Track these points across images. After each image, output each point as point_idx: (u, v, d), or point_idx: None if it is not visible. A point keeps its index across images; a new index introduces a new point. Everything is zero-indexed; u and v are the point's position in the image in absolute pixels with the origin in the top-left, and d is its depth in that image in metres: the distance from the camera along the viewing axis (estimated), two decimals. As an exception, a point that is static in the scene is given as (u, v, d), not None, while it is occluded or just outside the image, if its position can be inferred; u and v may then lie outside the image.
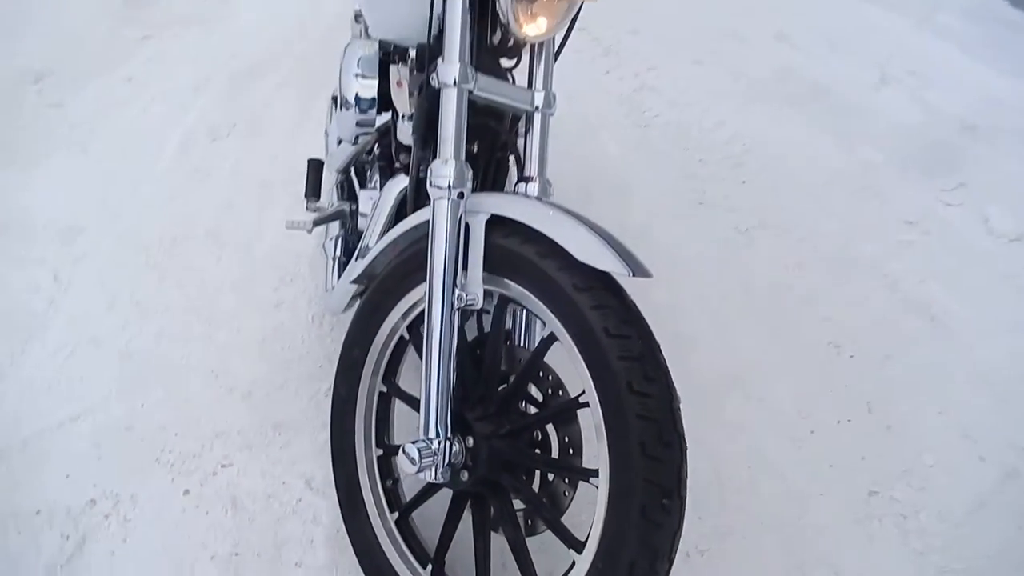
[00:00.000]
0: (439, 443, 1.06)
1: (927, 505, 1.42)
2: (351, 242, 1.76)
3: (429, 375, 1.07)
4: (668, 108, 3.08)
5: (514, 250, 1.05)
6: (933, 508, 1.41)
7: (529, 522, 1.12)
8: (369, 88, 1.41)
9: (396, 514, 1.26)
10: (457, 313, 1.09)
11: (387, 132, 1.54)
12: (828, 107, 3.01)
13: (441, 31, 1.17)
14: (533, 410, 1.18)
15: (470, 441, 1.10)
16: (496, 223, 1.08)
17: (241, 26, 4.24)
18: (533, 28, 1.14)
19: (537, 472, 1.12)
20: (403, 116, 1.36)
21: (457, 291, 1.08)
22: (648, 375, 0.94)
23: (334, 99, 2.14)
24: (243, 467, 1.54)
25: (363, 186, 1.82)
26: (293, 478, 1.51)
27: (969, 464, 1.50)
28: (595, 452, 1.00)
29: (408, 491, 1.29)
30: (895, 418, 1.60)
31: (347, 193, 1.94)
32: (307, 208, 1.84)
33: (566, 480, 1.11)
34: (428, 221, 1.13)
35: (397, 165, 1.56)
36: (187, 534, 1.42)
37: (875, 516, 1.40)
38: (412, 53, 1.26)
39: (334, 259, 1.74)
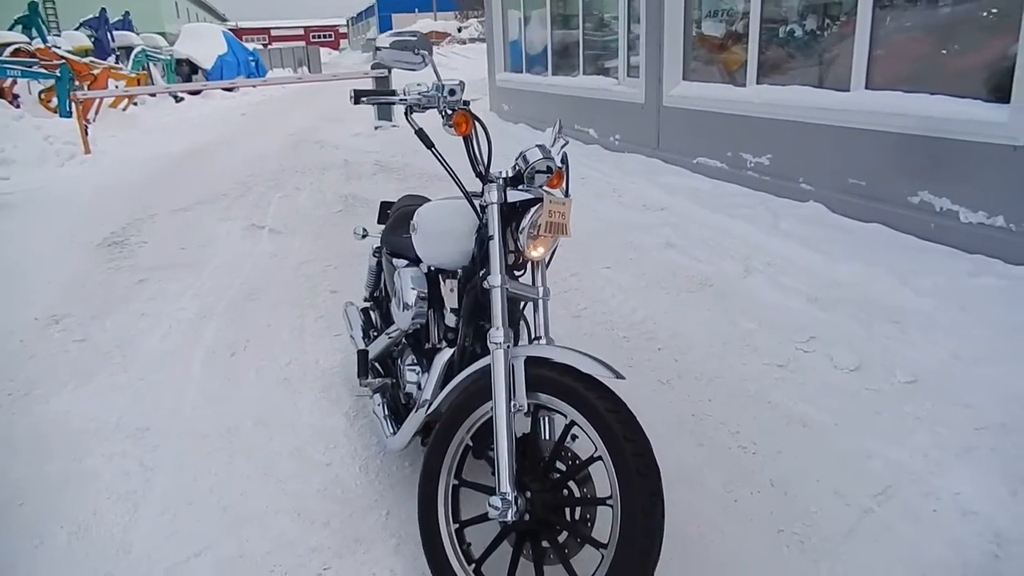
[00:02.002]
0: (511, 495, 1.72)
1: (816, 534, 2.12)
2: (396, 403, 2.45)
3: (500, 455, 1.75)
4: (592, 302, 3.99)
5: (544, 375, 1.79)
6: (820, 536, 2.11)
7: (567, 550, 1.76)
8: (422, 296, 2.21)
9: (472, 565, 1.86)
10: (513, 416, 1.79)
11: (418, 328, 2.31)
12: (711, 293, 4.00)
13: (477, 259, 1.99)
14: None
15: (528, 494, 1.76)
16: (530, 362, 1.82)
17: (221, 266, 5.05)
18: (535, 253, 1.97)
19: (569, 510, 1.78)
20: (449, 309, 2.13)
21: (513, 403, 1.79)
22: (634, 430, 1.66)
23: (364, 311, 2.93)
24: (339, 569, 2.09)
25: (395, 365, 2.55)
26: (381, 570, 2.07)
27: (840, 509, 2.22)
28: (604, 493, 1.70)
29: (476, 550, 1.90)
30: (789, 488, 2.33)
31: (376, 373, 2.64)
32: (360, 384, 2.52)
33: (588, 515, 1.77)
34: (480, 370, 1.88)
35: (430, 345, 2.31)
36: (312, 615, 1.95)
37: (783, 544, 2.09)
38: (460, 272, 2.07)
39: (385, 417, 2.42)
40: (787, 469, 2.43)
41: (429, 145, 2.01)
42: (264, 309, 4.16)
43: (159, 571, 2.12)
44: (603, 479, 1.73)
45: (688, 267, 4.37)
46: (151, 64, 16.79)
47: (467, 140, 1.97)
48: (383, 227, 2.99)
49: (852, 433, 2.61)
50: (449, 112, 1.96)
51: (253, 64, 21.82)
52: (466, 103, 1.99)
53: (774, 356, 3.22)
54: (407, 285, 2.24)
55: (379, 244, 2.89)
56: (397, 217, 2.75)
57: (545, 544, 1.79)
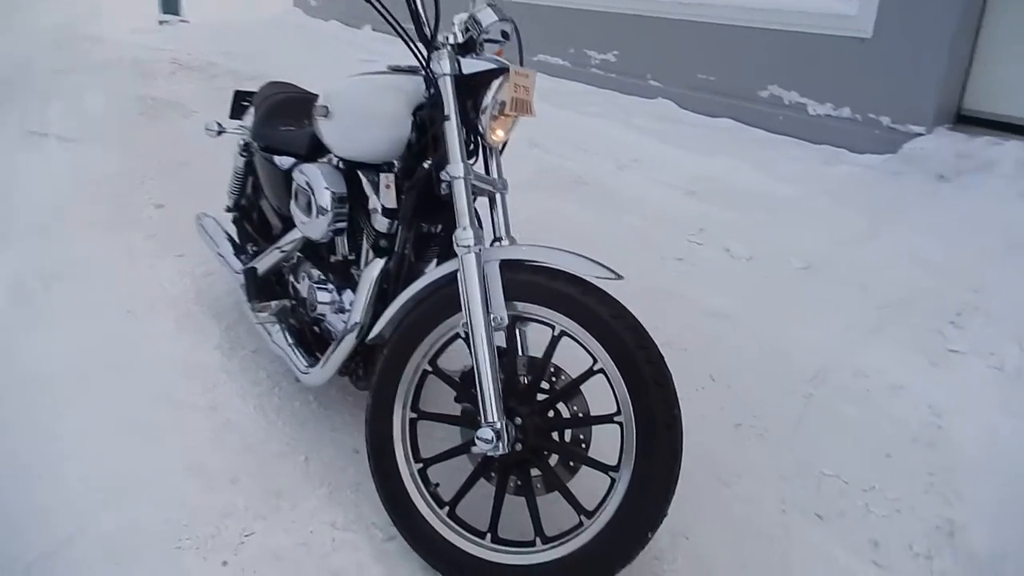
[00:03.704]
0: (502, 424, 1.46)
1: (771, 425, 2.07)
2: (303, 329, 2.07)
3: (483, 379, 1.47)
4: (467, 206, 3.69)
5: (526, 280, 1.51)
6: (776, 425, 2.07)
7: (558, 478, 1.54)
8: (340, 197, 1.82)
9: (446, 508, 1.59)
10: (493, 332, 1.51)
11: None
12: (588, 191, 3.85)
13: (418, 146, 1.65)
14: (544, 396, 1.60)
15: (518, 420, 1.51)
16: (504, 267, 1.53)
17: (1, 182, 4.14)
18: (497, 136, 1.65)
19: (557, 433, 1.56)
20: (379, 211, 1.76)
21: (490, 316, 1.50)
22: (643, 336, 1.45)
23: (237, 223, 2.45)
24: (266, 531, 1.73)
25: (291, 284, 2.15)
26: (318, 525, 1.74)
27: (783, 397, 2.20)
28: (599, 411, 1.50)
29: (447, 490, 1.63)
30: (730, 381, 2.27)
31: (268, 294, 2.23)
32: (253, 310, 2.09)
33: (581, 436, 1.56)
34: (437, 280, 1.57)
35: (340, 257, 1.94)
36: (248, 592, 1.59)
37: (744, 438, 2.03)
38: (397, 165, 1.70)
39: (292, 346, 2.02)
40: (721, 362, 2.37)
41: None
42: (76, 231, 3.42)
43: (18, 569, 1.63)
44: (598, 396, 1.53)
45: (558, 165, 4.18)
46: None
47: (410, -7, 1.58)
48: (243, 122, 2.49)
49: (769, 321, 2.60)
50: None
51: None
52: (406, -55, 1.58)
53: (670, 250, 3.15)
54: (320, 185, 1.83)
55: (247, 141, 2.39)
56: (272, 107, 2.27)
57: (535, 472, 1.56)
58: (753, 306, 2.69)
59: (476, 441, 1.45)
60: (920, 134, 3.85)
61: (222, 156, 3.76)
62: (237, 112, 2.56)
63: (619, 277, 1.47)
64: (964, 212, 3.28)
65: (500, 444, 1.45)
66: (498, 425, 1.45)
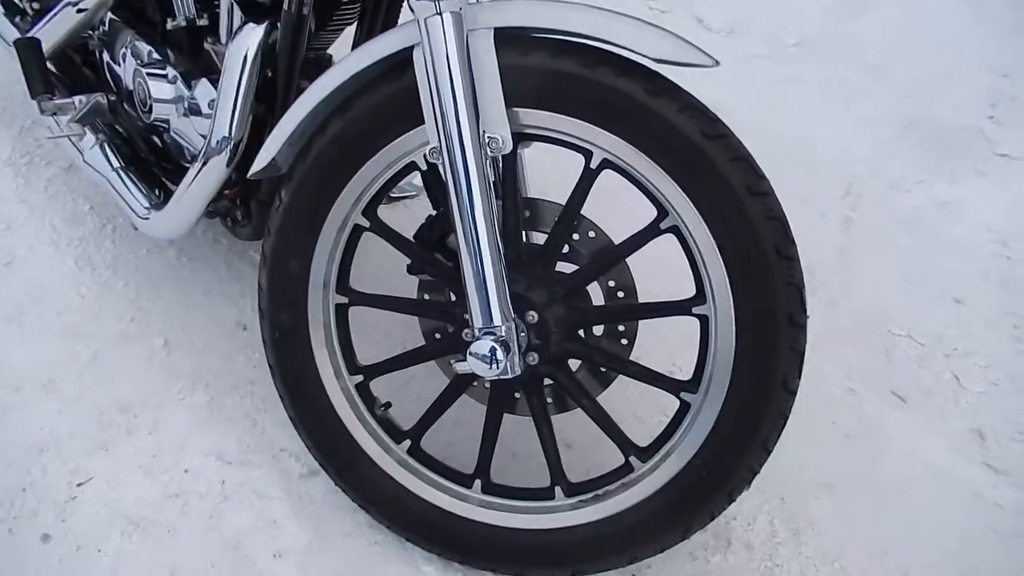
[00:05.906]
0: (508, 328, 0.84)
1: (812, 259, 1.57)
2: (134, 141, 1.30)
3: (476, 251, 0.83)
4: None
5: (540, 68, 0.83)
6: (819, 263, 1.57)
7: (579, 393, 0.97)
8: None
9: (407, 443, 1.01)
10: (486, 163, 0.84)
11: None
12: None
13: None
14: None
15: (531, 316, 0.90)
16: (501, 41, 0.83)
17: None
18: None
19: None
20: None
21: (482, 135, 0.83)
22: (759, 176, 0.84)
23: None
24: (110, 475, 1.10)
25: (106, 67, 1.34)
26: (195, 458, 1.13)
27: (817, 221, 1.69)
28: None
29: (403, 417, 1.04)
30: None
31: (72, 82, 1.41)
32: (43, 110, 1.28)
33: (621, 329, 0.97)
34: (375, 64, 0.86)
35: (186, 18, 1.15)
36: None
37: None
38: None
39: (118, 172, 1.27)
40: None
41: None
42: None
43: None
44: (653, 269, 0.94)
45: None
46: None
47: None
48: None
49: (775, 115, 2.01)
50: None
51: None
52: None
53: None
54: None
55: None
56: None
57: (550, 381, 0.98)
58: (750, 95, 2.08)
59: (467, 357, 0.84)
60: None
61: None
62: None
63: (715, 63, 0.83)
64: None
65: (508, 363, 0.84)
66: (502, 331, 0.84)
